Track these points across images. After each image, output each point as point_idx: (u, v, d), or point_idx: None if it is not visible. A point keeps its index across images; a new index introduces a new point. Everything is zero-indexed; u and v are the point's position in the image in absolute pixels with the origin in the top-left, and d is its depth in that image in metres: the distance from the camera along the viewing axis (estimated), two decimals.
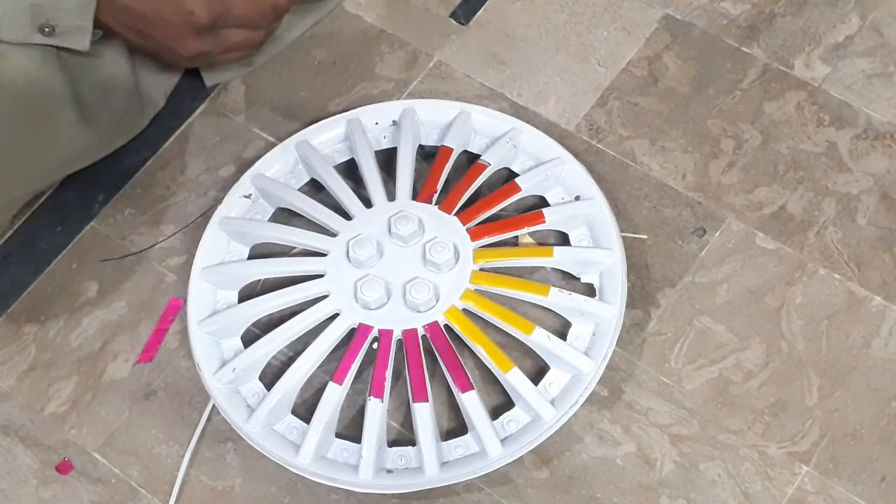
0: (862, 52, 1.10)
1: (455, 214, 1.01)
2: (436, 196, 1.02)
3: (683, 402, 0.97)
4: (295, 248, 1.04)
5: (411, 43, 1.15)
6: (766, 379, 0.98)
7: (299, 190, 1.06)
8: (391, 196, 1.02)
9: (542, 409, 0.93)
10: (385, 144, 1.08)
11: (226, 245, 1.04)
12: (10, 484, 1.00)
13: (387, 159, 1.07)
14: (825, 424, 0.95)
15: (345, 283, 0.98)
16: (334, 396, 0.94)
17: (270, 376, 0.99)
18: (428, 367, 0.95)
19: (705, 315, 1.00)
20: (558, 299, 0.97)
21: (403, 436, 0.98)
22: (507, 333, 0.97)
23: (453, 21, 1.16)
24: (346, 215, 1.02)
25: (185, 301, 1.01)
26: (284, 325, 0.98)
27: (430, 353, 0.97)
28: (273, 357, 1.00)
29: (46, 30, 0.88)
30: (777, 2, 1.13)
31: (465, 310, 0.97)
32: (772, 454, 0.95)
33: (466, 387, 0.94)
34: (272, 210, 1.06)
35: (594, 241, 1.01)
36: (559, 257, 0.99)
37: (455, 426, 0.98)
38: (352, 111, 1.08)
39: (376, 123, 1.08)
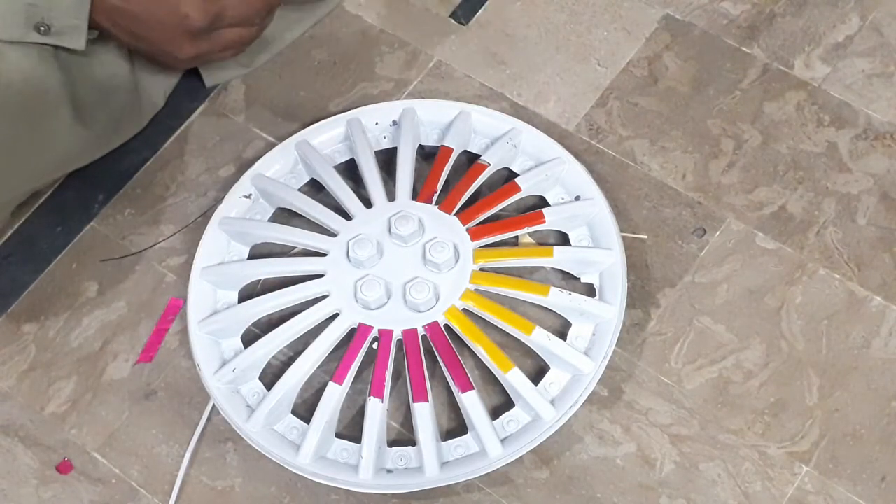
0: (862, 52, 1.10)
1: (455, 214, 1.01)
2: (436, 196, 1.02)
3: (683, 402, 0.97)
4: (295, 248, 1.04)
5: (411, 43, 1.15)
6: (766, 379, 0.98)
7: (299, 190, 1.06)
8: (391, 196, 1.02)
9: (542, 409, 0.93)
10: (385, 144, 1.08)
11: (226, 245, 1.04)
12: (10, 484, 1.00)
13: (387, 159, 1.07)
14: (825, 424, 0.95)
15: (345, 283, 0.98)
16: (334, 396, 0.94)
17: (270, 376, 0.99)
18: (428, 367, 0.95)
19: (705, 315, 1.00)
20: (558, 299, 0.97)
21: (403, 436, 0.98)
22: (507, 333, 0.97)
23: (453, 21, 1.16)
24: (346, 215, 1.02)
25: (185, 301, 1.01)
26: (284, 325, 0.98)
27: (430, 353, 0.97)
28: (273, 357, 1.00)
29: (42, 29, 0.88)
30: (777, 2, 1.13)
31: (465, 310, 0.97)
32: (772, 454, 0.95)
33: (466, 387, 0.94)
34: (272, 210, 1.06)
35: (594, 241, 1.01)
36: (559, 257, 0.99)
37: (455, 426, 0.98)
38: (352, 111, 1.08)
39: (376, 123, 1.08)
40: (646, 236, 1.04)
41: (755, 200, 1.05)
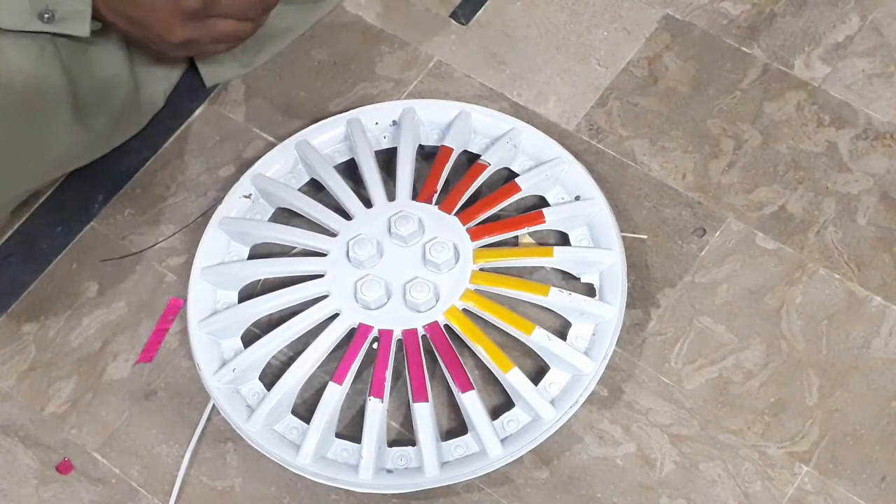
0: (862, 52, 1.10)
1: (455, 214, 1.01)
2: (436, 196, 1.02)
3: (683, 402, 0.97)
4: (295, 248, 1.04)
5: (411, 43, 1.15)
6: (766, 379, 0.98)
7: (299, 190, 1.06)
8: (391, 196, 1.02)
9: (542, 409, 0.93)
10: (385, 144, 1.08)
11: (226, 245, 1.04)
12: (10, 484, 1.00)
13: (387, 159, 1.07)
14: (825, 424, 0.95)
15: (345, 283, 0.98)
16: (334, 396, 0.94)
17: (270, 376, 0.99)
18: (428, 367, 0.95)
19: (705, 315, 1.00)
20: (558, 299, 0.97)
21: (403, 436, 0.98)
22: (507, 333, 0.97)
23: (453, 21, 1.16)
24: (346, 215, 1.02)
25: (185, 301, 1.01)
26: (284, 325, 0.98)
27: (430, 353, 0.97)
28: (273, 357, 1.00)
29: (46, 16, 0.88)
30: (777, 2, 1.13)
31: (465, 310, 0.97)
32: (772, 454, 0.95)
33: (466, 387, 0.94)
34: (272, 210, 1.06)
35: (594, 241, 1.01)
36: (559, 257, 0.99)
37: (455, 426, 0.98)
38: (352, 111, 1.08)
39: (376, 123, 1.08)
40: (646, 236, 1.04)
41: (755, 200, 1.05)
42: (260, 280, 1.03)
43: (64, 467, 1.00)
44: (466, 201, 1.02)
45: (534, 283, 0.98)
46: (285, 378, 0.96)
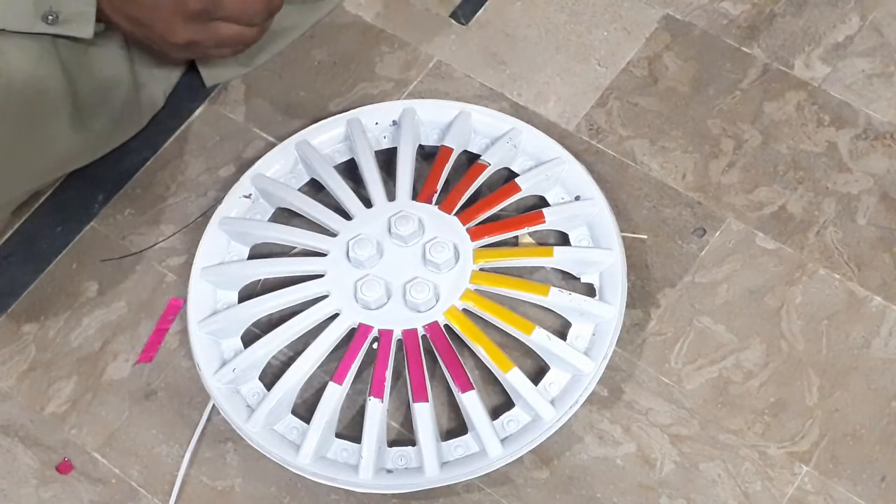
0: (862, 52, 1.10)
1: (455, 214, 1.01)
2: (436, 196, 1.02)
3: (683, 402, 0.97)
4: (295, 248, 1.04)
5: (411, 43, 1.15)
6: (766, 379, 0.98)
7: (299, 190, 1.06)
8: (391, 196, 1.02)
9: (542, 409, 0.93)
10: (385, 144, 1.08)
11: (226, 245, 1.04)
12: (10, 484, 1.00)
13: (387, 159, 1.07)
14: (825, 424, 0.95)
15: (345, 283, 0.98)
16: (334, 396, 0.94)
17: (270, 376, 0.99)
18: (428, 367, 0.95)
19: (705, 315, 1.00)
20: (558, 299, 0.97)
21: (403, 436, 0.98)
22: (507, 333, 0.97)
23: (453, 21, 1.16)
24: (346, 215, 1.02)
25: (185, 301, 1.01)
26: (284, 325, 0.98)
27: (430, 353, 0.97)
28: (273, 357, 1.00)
29: (50, 17, 0.88)
30: (777, 2, 1.13)
31: (465, 310, 0.97)
32: (772, 454, 0.95)
33: (466, 387, 0.94)
34: (272, 210, 1.06)
35: (594, 241, 1.01)
36: (559, 257, 0.99)
37: (455, 426, 0.98)
38: (352, 111, 1.08)
39: (376, 123, 1.08)
40: (646, 236, 1.04)
41: (755, 200, 1.05)
42: (260, 280, 1.03)
43: (64, 467, 1.00)
44: (466, 201, 1.02)
45: (534, 283, 0.98)
46: (285, 378, 0.96)
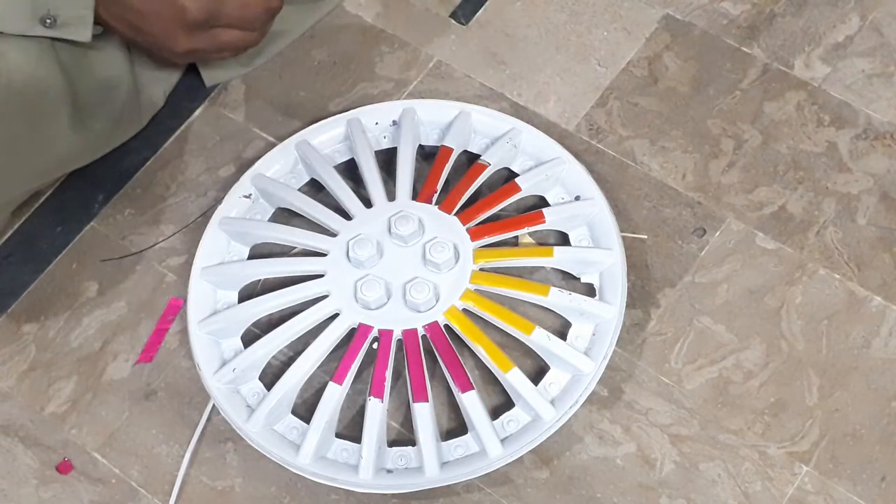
0: (862, 52, 1.10)
1: (455, 214, 1.01)
2: (436, 196, 1.02)
3: (683, 402, 0.97)
4: (295, 248, 1.04)
5: (411, 43, 1.15)
6: (766, 379, 0.98)
7: (299, 190, 1.06)
8: (391, 196, 1.02)
9: (542, 409, 0.93)
10: (385, 144, 1.08)
11: (226, 245, 1.04)
12: (10, 484, 1.00)
13: (387, 159, 1.07)
14: (825, 424, 0.95)
15: (345, 283, 0.98)
16: (334, 396, 0.94)
17: (270, 376, 0.99)
18: (428, 367, 0.95)
19: (705, 315, 1.00)
20: (558, 299, 0.97)
21: (403, 436, 0.98)
22: (507, 333, 0.97)
23: (453, 21, 1.16)
24: (346, 215, 1.02)
25: (185, 301, 1.01)
26: (284, 325, 0.98)
27: (430, 353, 0.97)
28: (273, 357, 1.00)
29: (48, 21, 0.88)
30: (777, 2, 1.13)
31: (465, 310, 0.97)
32: (772, 454, 0.95)
33: (466, 387, 0.94)
34: (272, 210, 1.06)
35: (594, 241, 1.01)
36: (559, 257, 0.99)
37: (455, 426, 0.98)
38: (352, 111, 1.08)
39: (376, 123, 1.08)
40: (646, 236, 1.04)
41: (755, 200, 1.05)
42: (260, 280, 1.03)
43: (64, 467, 1.00)
44: (466, 201, 1.02)
45: (534, 283, 0.98)
46: (285, 378, 0.96)
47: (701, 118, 1.09)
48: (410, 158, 1.03)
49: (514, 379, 0.94)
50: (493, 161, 1.03)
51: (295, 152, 1.07)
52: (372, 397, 0.94)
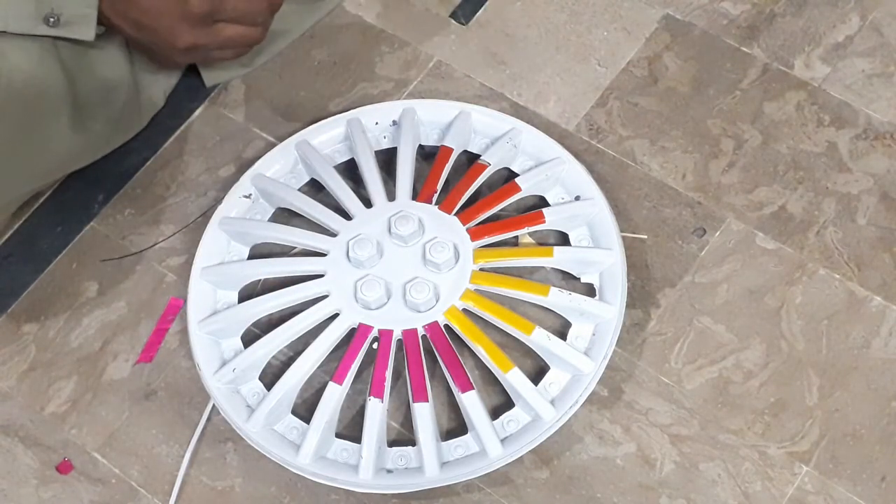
0: (862, 52, 1.10)
1: (455, 214, 1.01)
2: (436, 196, 1.02)
3: (683, 402, 0.97)
4: (295, 248, 1.04)
5: (411, 43, 1.15)
6: (766, 379, 0.98)
7: (299, 190, 1.06)
8: (391, 196, 1.02)
9: (542, 409, 0.93)
10: (385, 144, 1.08)
11: (226, 245, 1.04)
12: (10, 484, 1.00)
13: (387, 159, 1.07)
14: (825, 424, 0.95)
15: (345, 283, 0.98)
16: (334, 396, 0.94)
17: (270, 376, 0.99)
18: (428, 367, 0.95)
19: (705, 315, 1.00)
20: (558, 299, 0.97)
21: (403, 436, 0.98)
22: (507, 333, 0.97)
23: (453, 21, 1.16)
24: (346, 215, 1.02)
25: (185, 301, 1.01)
26: (284, 325, 0.98)
27: (430, 353, 0.97)
28: (273, 357, 1.00)
29: (52, 20, 0.88)
30: (777, 2, 1.13)
31: (465, 310, 0.97)
32: (772, 454, 0.95)
33: (466, 387, 0.94)
34: (272, 210, 1.06)
35: (594, 241, 1.01)
36: (559, 257, 0.99)
37: (455, 426, 0.98)
38: (352, 111, 1.08)
39: (376, 123, 1.08)
40: (646, 236, 1.04)
41: (755, 200, 1.05)
42: (260, 280, 1.03)
43: (64, 467, 1.00)
44: (466, 201, 1.02)
45: (534, 283, 0.98)
46: (285, 378, 0.96)
47: (701, 118, 1.09)
48: (410, 158, 1.03)
49: (514, 379, 0.94)
50: (493, 161, 1.03)
51: (295, 152, 1.07)
52: (372, 397, 0.94)
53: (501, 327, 0.97)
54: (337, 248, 1.00)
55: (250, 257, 1.05)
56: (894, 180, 1.04)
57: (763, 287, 1.01)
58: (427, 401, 0.94)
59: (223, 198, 1.05)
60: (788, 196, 1.05)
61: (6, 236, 1.10)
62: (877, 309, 0.99)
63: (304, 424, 0.96)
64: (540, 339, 0.95)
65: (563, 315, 0.99)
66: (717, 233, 1.03)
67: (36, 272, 1.08)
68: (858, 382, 0.97)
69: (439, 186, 1.02)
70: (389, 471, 0.95)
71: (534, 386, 0.94)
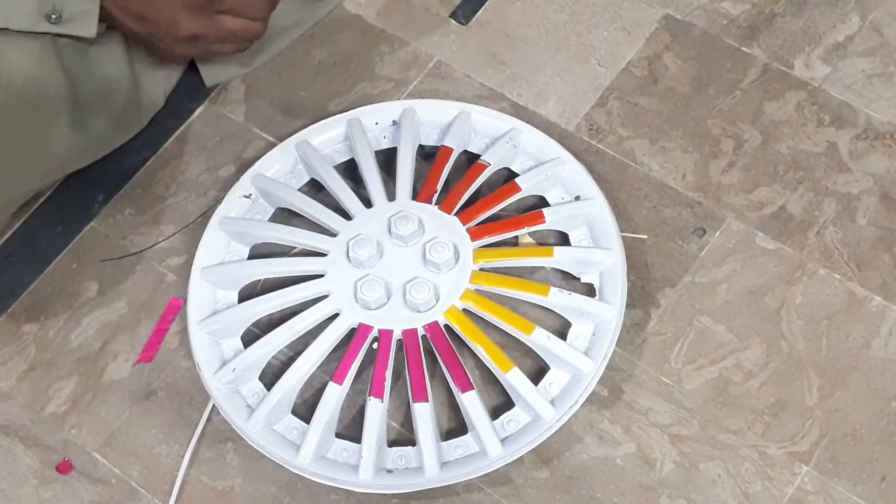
0: (862, 52, 1.10)
1: (455, 214, 1.01)
2: (436, 196, 1.02)
3: (683, 402, 0.97)
4: (295, 248, 1.04)
5: (411, 43, 1.15)
6: (766, 379, 0.98)
7: (299, 190, 1.06)
8: (391, 196, 1.02)
9: (542, 409, 0.93)
10: (385, 144, 1.08)
11: (226, 245, 1.04)
12: (10, 484, 1.00)
13: (387, 159, 1.07)
14: (825, 424, 0.95)
15: (345, 283, 0.98)
16: (334, 396, 0.94)
17: (270, 376, 0.99)
18: (428, 367, 0.95)
19: (705, 315, 1.00)
20: (558, 299, 0.97)
21: (403, 436, 0.98)
22: (507, 333, 0.97)
23: (453, 21, 1.16)
24: (346, 215, 1.02)
25: (185, 301, 1.01)
26: (284, 325, 0.98)
27: (430, 353, 0.97)
28: (273, 357, 1.00)
29: (53, 17, 0.88)
30: (777, 2, 1.13)
31: (465, 310, 0.97)
32: (772, 454, 0.95)
33: (466, 387, 0.94)
34: (272, 210, 1.06)
35: (594, 241, 1.01)
36: (559, 257, 0.99)
37: (455, 426, 0.98)
38: (352, 111, 1.08)
39: (376, 123, 1.08)
40: (646, 236, 1.04)
41: (755, 200, 1.05)
42: (260, 280, 1.03)
43: (64, 467, 1.00)
44: (466, 201, 1.02)
45: (534, 283, 0.98)
46: (285, 378, 0.96)
47: (701, 118, 1.09)
48: (410, 158, 1.03)
49: (514, 379, 0.94)
50: (493, 161, 1.03)
51: (295, 152, 1.07)
52: (372, 397, 0.94)
53: (501, 327, 0.97)
54: (337, 248, 1.00)
55: (250, 257, 1.05)
56: (894, 180, 1.04)
57: (763, 287, 1.01)
58: (427, 401, 0.94)
59: (223, 198, 1.05)
60: (788, 196, 1.05)
61: (6, 236, 1.10)
62: (877, 309, 0.99)
63: (304, 424, 0.96)
64: (540, 339, 0.95)
65: (563, 315, 0.99)
66: (717, 233, 1.03)
67: (36, 272, 1.08)
68: (858, 382, 0.97)
69: (439, 186, 1.02)
70: (389, 471, 0.95)
71: (534, 386, 0.94)
